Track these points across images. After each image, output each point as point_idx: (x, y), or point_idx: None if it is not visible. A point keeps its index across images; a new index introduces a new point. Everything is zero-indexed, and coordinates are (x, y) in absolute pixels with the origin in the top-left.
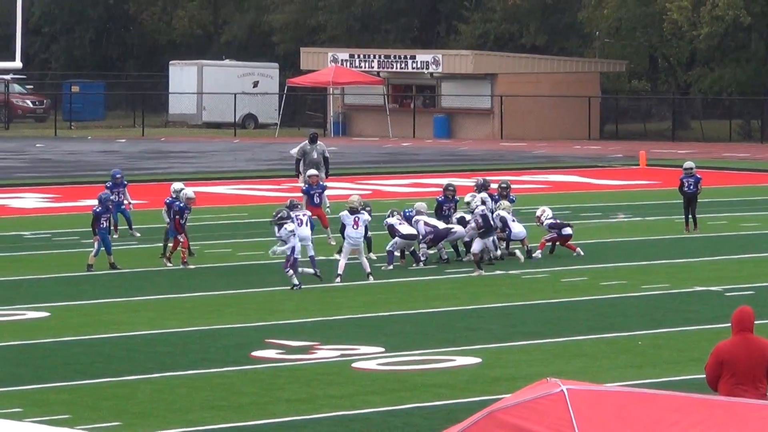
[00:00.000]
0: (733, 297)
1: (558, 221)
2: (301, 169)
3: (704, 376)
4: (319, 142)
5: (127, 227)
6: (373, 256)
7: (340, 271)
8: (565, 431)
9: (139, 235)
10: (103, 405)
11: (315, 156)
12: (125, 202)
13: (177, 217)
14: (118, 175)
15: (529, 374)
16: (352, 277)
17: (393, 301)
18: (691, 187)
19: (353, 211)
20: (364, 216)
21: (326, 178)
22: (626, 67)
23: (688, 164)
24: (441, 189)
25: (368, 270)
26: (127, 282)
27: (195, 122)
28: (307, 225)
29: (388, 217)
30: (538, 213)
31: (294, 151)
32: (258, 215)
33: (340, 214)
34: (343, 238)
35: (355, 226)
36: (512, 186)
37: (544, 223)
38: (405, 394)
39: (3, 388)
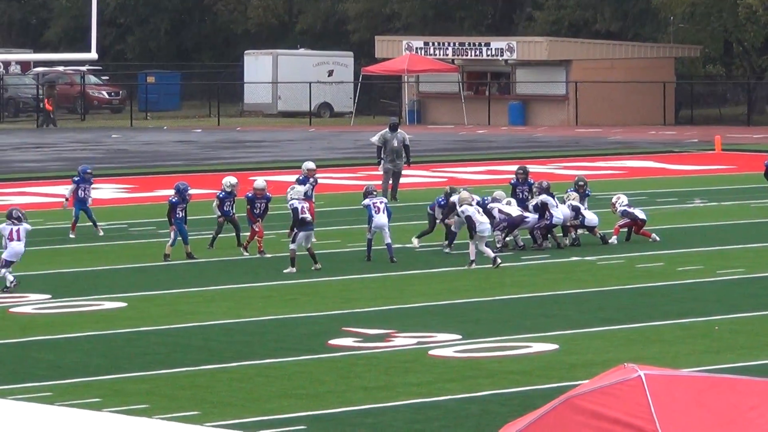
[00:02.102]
0: None
1: (632, 209)
2: (382, 155)
3: None
4: (399, 129)
5: (91, 225)
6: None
7: (473, 257)
8: (643, 416)
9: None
10: (181, 395)
11: (395, 144)
12: (90, 199)
13: (249, 207)
14: (88, 170)
15: (606, 360)
16: (428, 264)
17: (469, 288)
18: None
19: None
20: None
21: (407, 165)
22: (701, 52)
23: None
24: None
25: (492, 255)
26: (204, 272)
27: (270, 111)
28: (383, 212)
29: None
30: (614, 200)
31: (374, 138)
32: (334, 204)
33: (461, 208)
34: (471, 230)
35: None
36: (587, 173)
37: (618, 210)
38: (482, 381)
39: (81, 378)
